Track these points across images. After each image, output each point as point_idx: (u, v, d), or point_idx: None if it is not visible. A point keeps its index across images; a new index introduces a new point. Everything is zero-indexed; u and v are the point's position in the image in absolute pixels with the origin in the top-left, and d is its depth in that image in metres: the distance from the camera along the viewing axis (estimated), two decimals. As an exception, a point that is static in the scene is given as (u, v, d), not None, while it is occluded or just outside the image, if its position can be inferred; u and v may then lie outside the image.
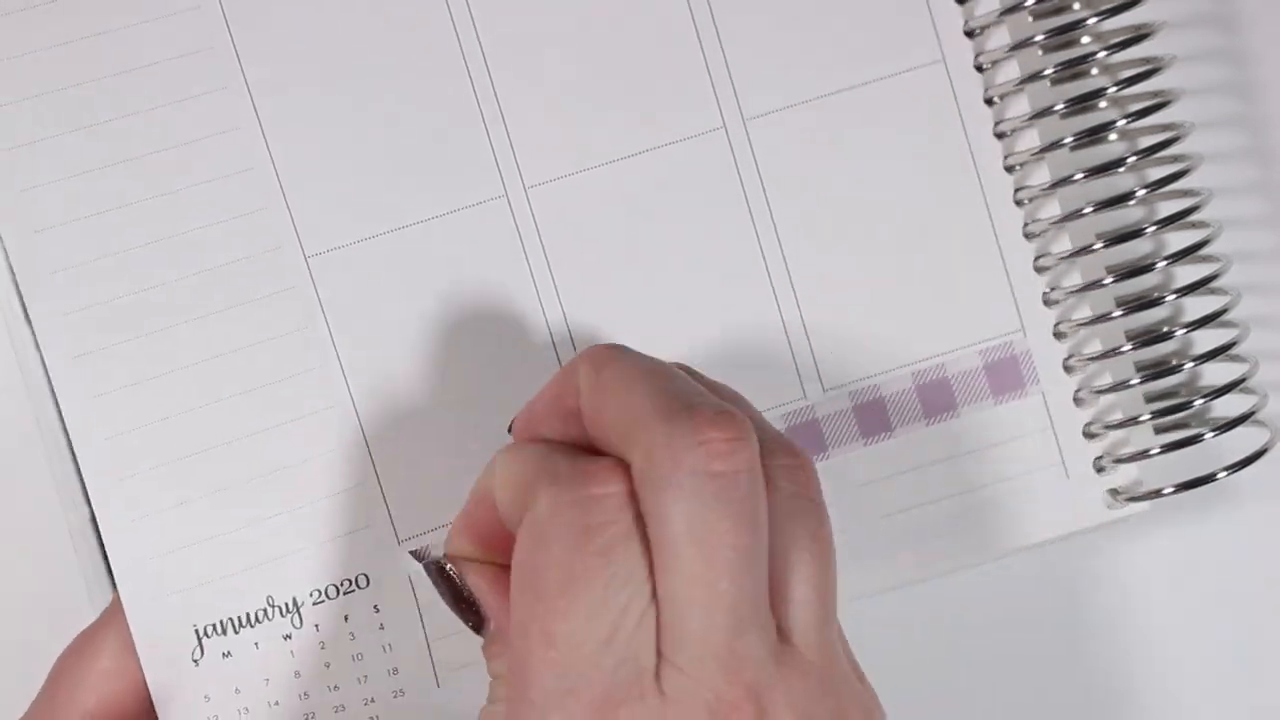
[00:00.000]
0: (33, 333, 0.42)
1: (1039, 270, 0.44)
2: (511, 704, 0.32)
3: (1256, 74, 0.46)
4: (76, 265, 0.42)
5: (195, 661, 0.41)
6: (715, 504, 0.31)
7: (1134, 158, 0.43)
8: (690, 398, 0.32)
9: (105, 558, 0.43)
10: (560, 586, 0.31)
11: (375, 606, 0.42)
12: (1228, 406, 0.44)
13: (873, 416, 0.44)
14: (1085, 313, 0.44)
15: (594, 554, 0.31)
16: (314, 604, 0.42)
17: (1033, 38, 0.42)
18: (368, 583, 0.42)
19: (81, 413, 0.41)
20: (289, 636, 0.42)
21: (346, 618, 0.42)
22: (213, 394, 0.42)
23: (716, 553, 0.31)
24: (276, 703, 0.41)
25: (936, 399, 0.44)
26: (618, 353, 0.34)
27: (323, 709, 0.42)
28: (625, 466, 0.32)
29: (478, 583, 0.36)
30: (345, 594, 0.42)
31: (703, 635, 0.31)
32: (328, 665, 0.42)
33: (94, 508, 0.42)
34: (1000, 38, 0.43)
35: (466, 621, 0.37)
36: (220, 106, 0.42)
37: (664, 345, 0.43)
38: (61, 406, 0.42)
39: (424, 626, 0.42)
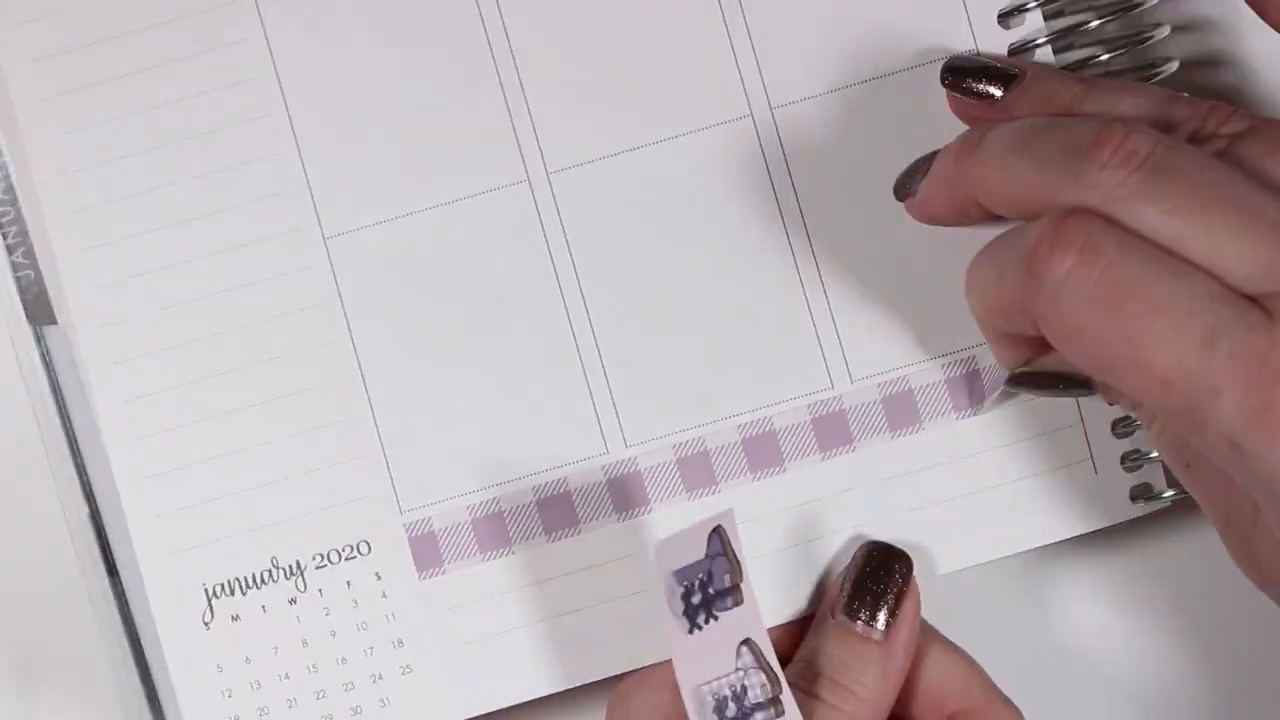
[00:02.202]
0: (47, 328, 0.44)
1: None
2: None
3: (1255, 85, 0.46)
4: (105, 244, 0.43)
5: (206, 624, 0.43)
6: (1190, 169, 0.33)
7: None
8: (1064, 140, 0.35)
9: (105, 555, 0.44)
10: (1134, 327, 0.33)
11: (377, 574, 0.43)
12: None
13: (901, 409, 0.43)
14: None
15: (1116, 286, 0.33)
16: (316, 568, 0.43)
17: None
18: (369, 549, 0.43)
19: (104, 377, 0.43)
20: (294, 601, 0.43)
21: (349, 583, 0.43)
22: (229, 363, 0.43)
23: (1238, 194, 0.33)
24: (287, 675, 0.43)
25: (966, 393, 0.43)
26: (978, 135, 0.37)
27: (332, 686, 0.43)
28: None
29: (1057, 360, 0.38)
30: (347, 559, 0.43)
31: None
32: (333, 634, 0.43)
33: (112, 464, 0.43)
34: (1034, 22, 0.43)
35: (1077, 392, 0.38)
36: (250, 94, 0.43)
37: (686, 333, 0.43)
38: (85, 371, 0.43)
39: (428, 598, 0.43)
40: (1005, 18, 0.43)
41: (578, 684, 0.43)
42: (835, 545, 0.43)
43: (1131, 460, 0.43)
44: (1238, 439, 0.32)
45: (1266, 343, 0.32)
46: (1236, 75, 0.46)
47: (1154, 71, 0.43)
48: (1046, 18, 0.44)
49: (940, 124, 0.43)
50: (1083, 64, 0.43)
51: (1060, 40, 0.43)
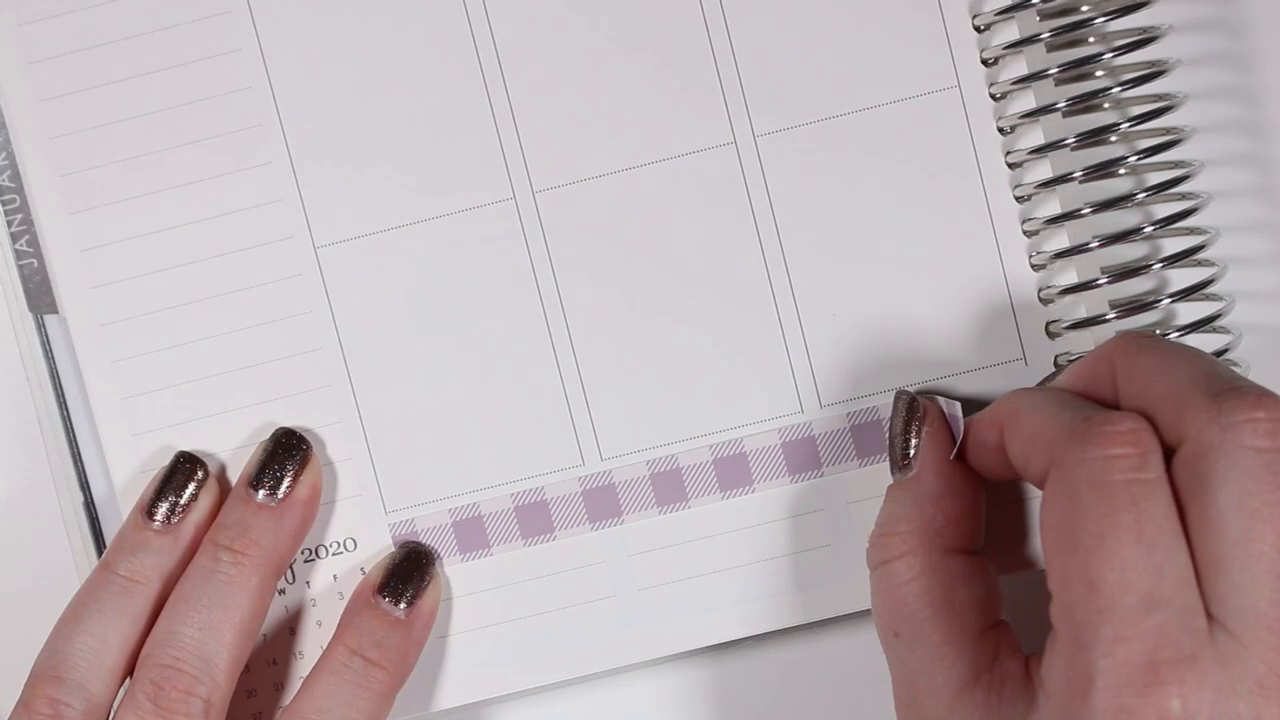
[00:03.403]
0: (48, 316, 0.45)
1: (1044, 301, 0.44)
2: (1063, 645, 0.34)
3: (1268, 114, 0.46)
4: (101, 245, 0.44)
5: None
6: (1266, 476, 0.33)
7: (1143, 194, 0.43)
8: (1234, 380, 0.35)
9: (97, 544, 0.45)
10: (1094, 539, 0.34)
11: (362, 569, 0.44)
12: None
13: (869, 438, 0.44)
14: (1088, 345, 0.44)
15: (1124, 509, 0.34)
16: (305, 561, 0.44)
17: (1047, 70, 0.42)
18: (355, 546, 0.44)
19: (100, 375, 0.44)
20: (283, 591, 0.44)
21: (335, 577, 0.44)
22: (222, 365, 0.44)
23: (1267, 523, 0.33)
24: (274, 661, 0.44)
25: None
26: (1153, 339, 0.38)
27: None
28: (1148, 424, 0.35)
29: (929, 442, 0.41)
30: (334, 555, 0.44)
31: (1254, 604, 0.33)
32: (319, 624, 0.44)
33: (106, 457, 0.44)
34: (1017, 68, 0.43)
35: (894, 451, 0.41)
36: (244, 103, 0.44)
37: (663, 352, 0.44)
38: (82, 369, 0.44)
39: None
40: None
41: (547, 682, 0.44)
42: (802, 562, 0.44)
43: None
44: (1099, 682, 0.33)
45: (1184, 649, 0.33)
46: (1238, 74, 0.46)
47: (1167, 107, 0.43)
48: (1052, 49, 0.44)
49: (921, 156, 0.43)
50: (1094, 95, 0.43)
51: (1067, 73, 0.43)
